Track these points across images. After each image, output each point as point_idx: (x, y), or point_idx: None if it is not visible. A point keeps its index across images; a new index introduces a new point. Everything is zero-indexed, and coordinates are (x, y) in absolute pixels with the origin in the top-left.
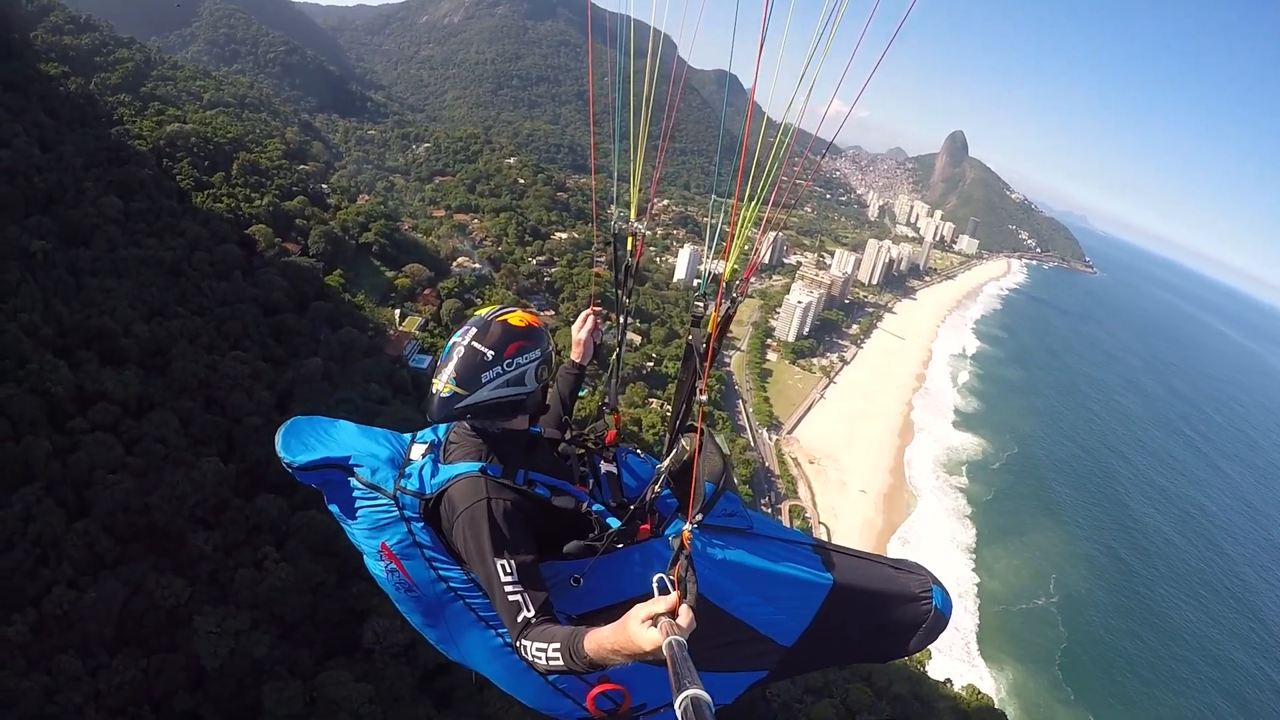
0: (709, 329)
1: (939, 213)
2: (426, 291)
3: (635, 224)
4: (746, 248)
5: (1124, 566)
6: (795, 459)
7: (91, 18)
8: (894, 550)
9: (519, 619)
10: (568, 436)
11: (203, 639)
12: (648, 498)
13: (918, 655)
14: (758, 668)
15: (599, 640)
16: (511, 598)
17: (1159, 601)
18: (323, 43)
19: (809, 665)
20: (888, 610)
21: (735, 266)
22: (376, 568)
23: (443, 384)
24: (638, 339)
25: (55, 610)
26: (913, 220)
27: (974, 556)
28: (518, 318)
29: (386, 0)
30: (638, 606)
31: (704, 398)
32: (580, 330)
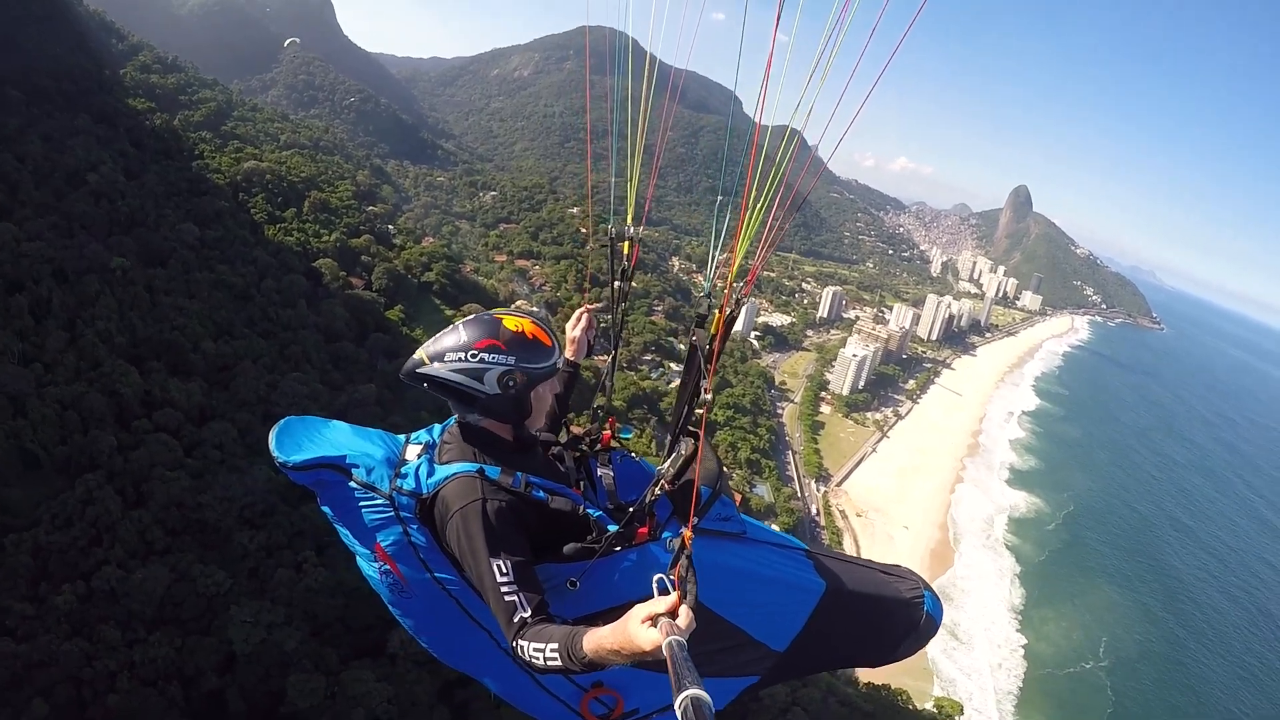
0: (714, 329)
1: (1002, 268)
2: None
3: (631, 229)
4: (749, 257)
5: (1177, 634)
6: (842, 510)
7: (178, 59)
8: None
9: (515, 619)
10: (562, 439)
11: (237, 627)
12: (647, 500)
13: (949, 709)
14: (750, 673)
15: (598, 640)
16: (508, 598)
17: (1209, 672)
18: (397, 92)
19: (801, 670)
20: (880, 615)
21: (741, 266)
22: (370, 569)
23: (421, 349)
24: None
25: (103, 586)
26: (975, 276)
27: (1021, 617)
28: (514, 322)
29: (459, 54)
30: (638, 606)
31: (709, 396)
32: (574, 328)
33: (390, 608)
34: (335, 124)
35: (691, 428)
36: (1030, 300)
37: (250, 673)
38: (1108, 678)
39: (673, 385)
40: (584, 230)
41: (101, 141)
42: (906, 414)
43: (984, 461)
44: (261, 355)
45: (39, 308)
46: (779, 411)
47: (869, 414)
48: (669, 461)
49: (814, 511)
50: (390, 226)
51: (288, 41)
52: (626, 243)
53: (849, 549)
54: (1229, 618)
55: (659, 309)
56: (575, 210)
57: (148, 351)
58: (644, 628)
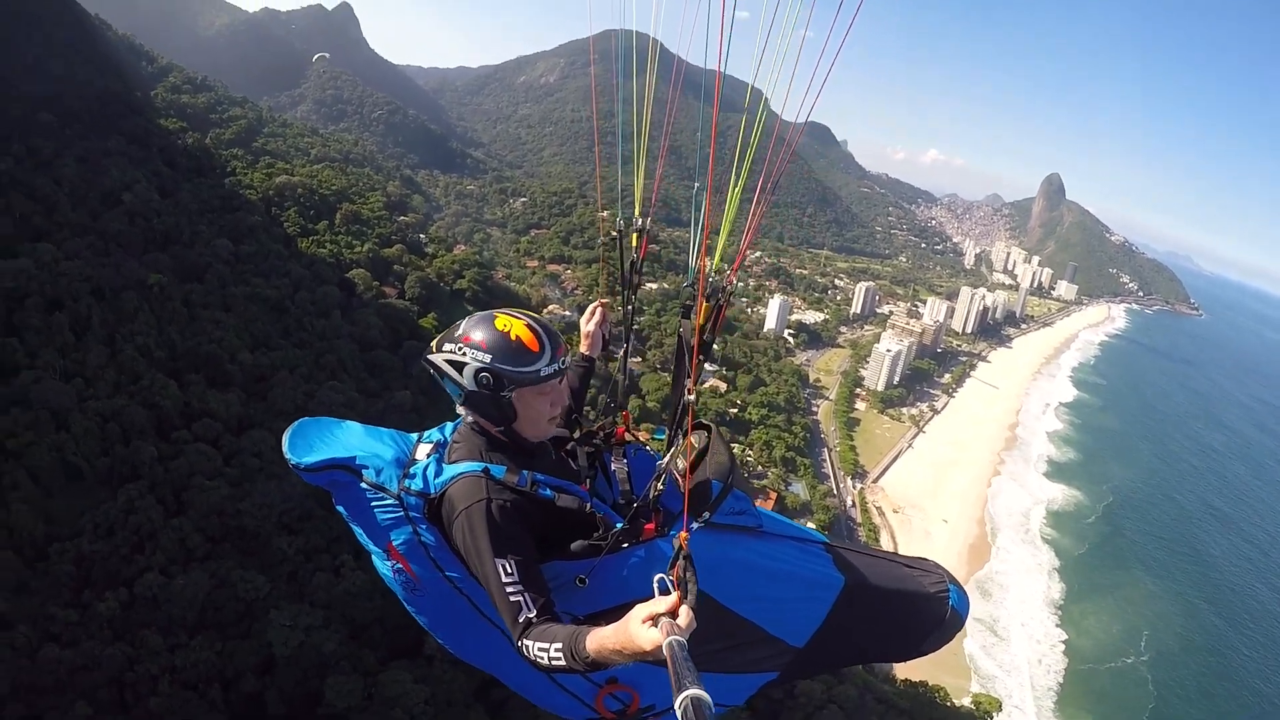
0: (695, 320)
1: (1036, 258)
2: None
3: (639, 220)
4: (733, 250)
5: (1217, 626)
6: (879, 507)
7: (208, 79)
8: (975, 604)
9: (520, 619)
10: (576, 435)
11: (276, 630)
12: (650, 495)
13: (986, 705)
14: (768, 669)
15: (600, 640)
16: (513, 598)
17: (1250, 663)
18: (425, 103)
19: (821, 666)
20: (902, 609)
21: (721, 262)
22: (384, 568)
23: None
24: (723, 385)
25: (145, 592)
26: (1009, 267)
27: (1060, 612)
28: (504, 321)
29: (485, 62)
30: (638, 606)
31: (691, 397)
32: (588, 322)
33: (405, 605)
34: (365, 136)
35: (701, 420)
36: (1066, 290)
37: (289, 675)
38: (1149, 671)
39: (708, 384)
40: (614, 233)
41: (135, 162)
42: (942, 408)
43: (1021, 454)
44: (298, 365)
45: (79, 325)
46: (814, 409)
47: (904, 409)
48: (667, 456)
49: (850, 508)
50: (422, 235)
51: (316, 57)
52: (635, 234)
53: (886, 545)
54: (1270, 608)
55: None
56: (605, 214)
57: (186, 364)
58: (644, 628)
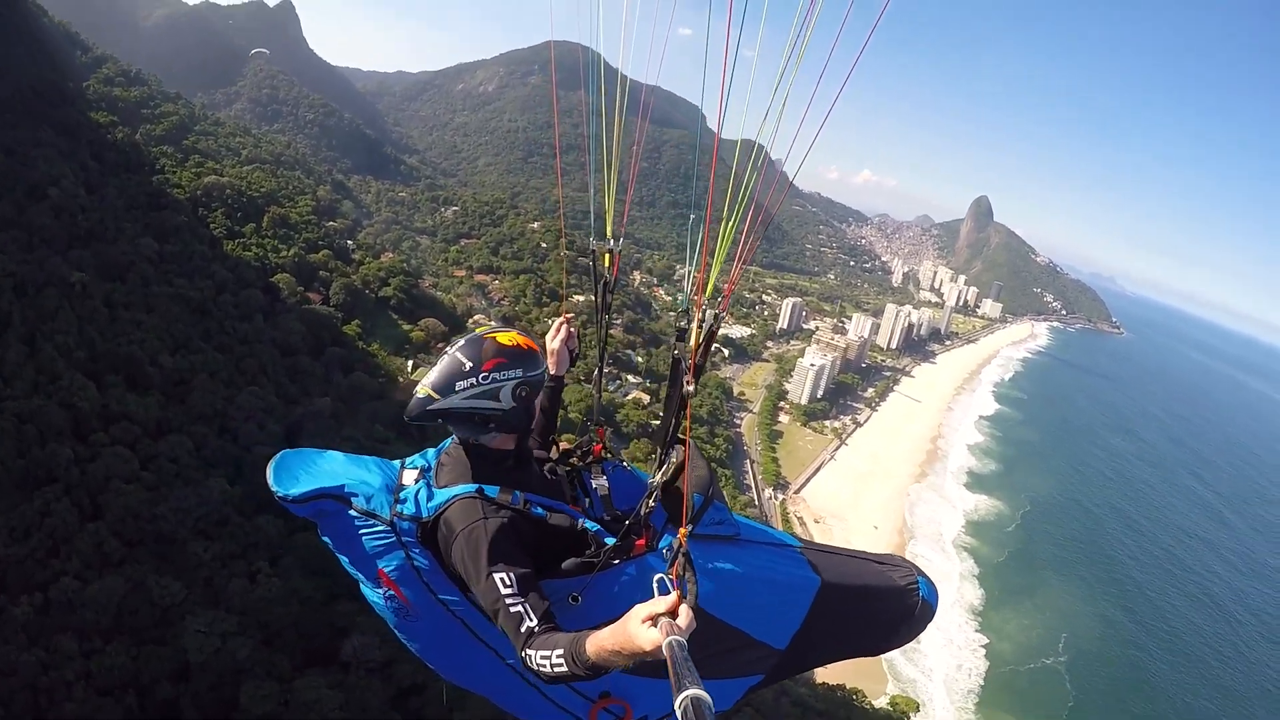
0: (692, 343)
1: (963, 277)
2: (440, 345)
3: (610, 241)
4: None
5: (1130, 627)
6: (800, 518)
7: (141, 72)
8: None
9: (522, 629)
10: (553, 454)
11: (191, 636)
12: (642, 512)
13: (904, 706)
14: (753, 672)
15: (600, 642)
16: (514, 609)
17: (1160, 661)
18: (361, 107)
19: (803, 665)
20: (877, 604)
21: (716, 284)
22: (374, 595)
23: (422, 386)
24: (646, 397)
25: (60, 597)
26: (936, 285)
27: (980, 618)
28: (508, 337)
29: (425, 68)
30: (638, 606)
31: (690, 387)
32: (554, 340)
33: (396, 632)
34: (298, 138)
35: (680, 436)
36: (990, 308)
37: (204, 681)
38: (1067, 671)
39: (630, 396)
40: (543, 245)
41: (64, 155)
42: (866, 421)
43: (942, 466)
44: (218, 369)
45: None
46: (737, 422)
47: (828, 422)
48: (660, 472)
49: (771, 519)
50: (349, 242)
51: (254, 52)
52: (607, 254)
53: (806, 541)
54: (1179, 609)
55: (618, 322)
56: (536, 225)
57: (106, 366)
58: (644, 628)
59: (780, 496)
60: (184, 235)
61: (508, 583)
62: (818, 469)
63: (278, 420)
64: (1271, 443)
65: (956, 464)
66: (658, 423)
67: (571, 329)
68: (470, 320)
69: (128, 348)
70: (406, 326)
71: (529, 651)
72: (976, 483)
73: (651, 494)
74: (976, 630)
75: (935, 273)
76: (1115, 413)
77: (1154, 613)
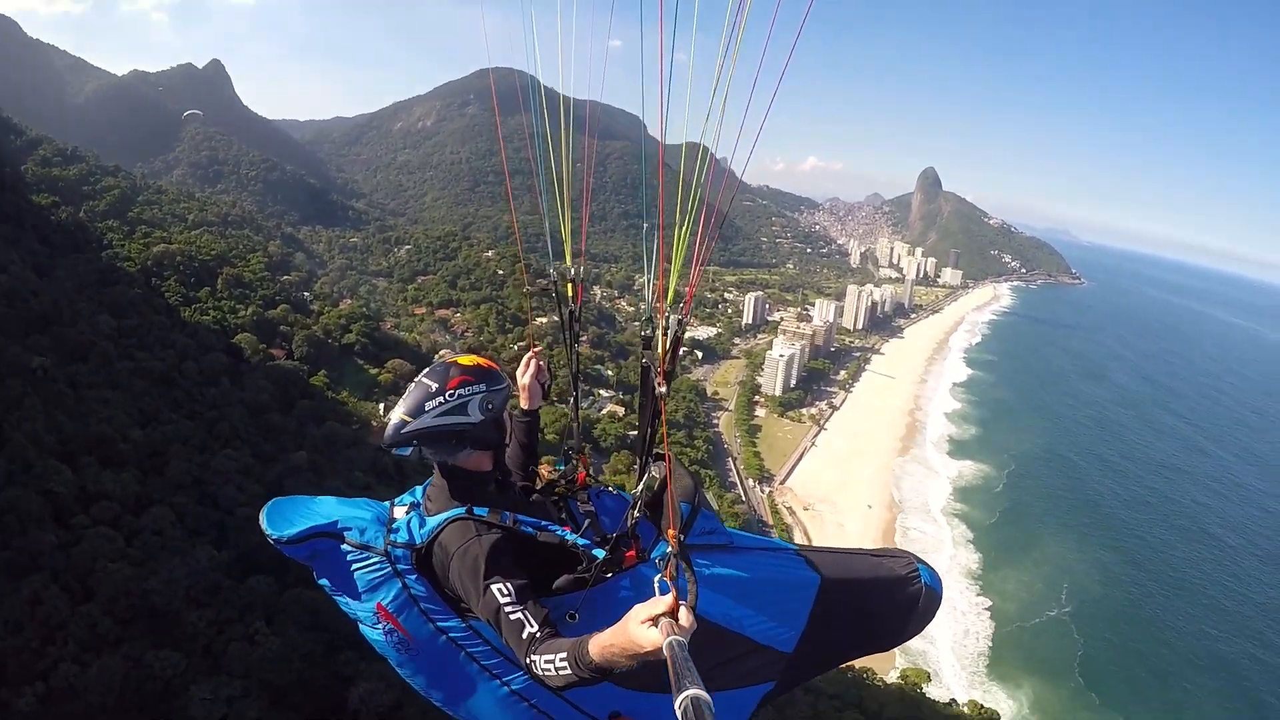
0: (659, 350)
1: (919, 250)
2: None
3: (571, 269)
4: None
5: (1130, 568)
6: (789, 508)
7: (78, 149)
8: None
9: (524, 636)
10: (538, 486)
11: (198, 705)
12: (629, 523)
13: (914, 678)
14: (764, 679)
15: (602, 643)
16: (514, 617)
17: (1158, 596)
18: (302, 157)
19: (814, 669)
20: (880, 597)
21: (677, 288)
22: (374, 634)
23: (394, 413)
24: (621, 410)
25: (61, 684)
26: (895, 261)
27: (980, 581)
28: (468, 359)
29: (362, 110)
30: (637, 607)
31: (663, 389)
32: (524, 375)
33: (399, 670)
34: (243, 197)
35: (659, 449)
36: (951, 276)
37: None
38: (1072, 620)
39: (604, 411)
40: (500, 272)
41: (9, 241)
42: (841, 404)
43: (923, 437)
44: (191, 437)
45: None
46: (715, 421)
47: (804, 410)
48: (642, 484)
49: (760, 512)
50: (306, 293)
51: (187, 114)
52: (570, 283)
53: (800, 542)
54: (1170, 542)
55: (584, 339)
56: (490, 253)
57: (77, 447)
58: (643, 628)
59: (766, 489)
60: (140, 307)
61: (506, 592)
62: (800, 457)
63: (256, 480)
64: (1238, 368)
65: (936, 433)
66: (635, 433)
67: (540, 362)
68: (437, 356)
69: (97, 427)
70: (373, 370)
71: (534, 658)
72: (959, 449)
73: (636, 504)
74: (978, 594)
75: (892, 249)
76: (1085, 360)
77: (1147, 550)
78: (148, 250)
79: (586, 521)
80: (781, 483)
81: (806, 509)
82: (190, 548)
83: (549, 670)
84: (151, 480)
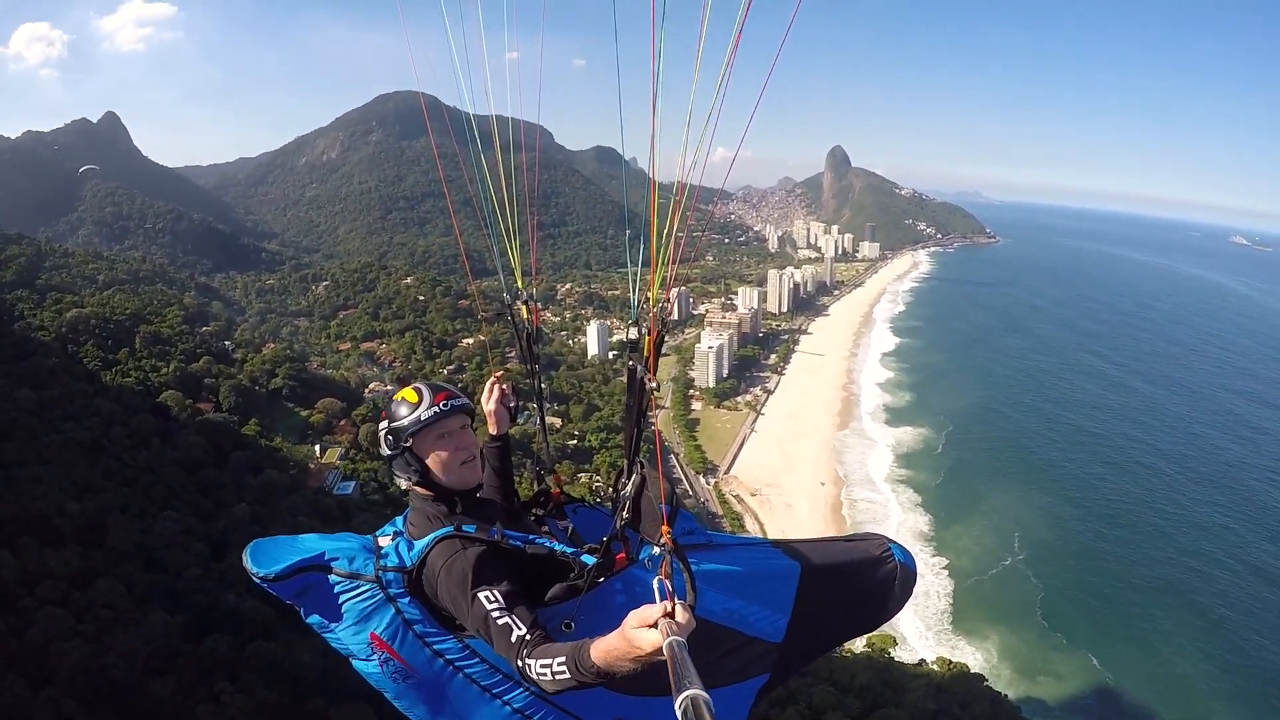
0: (646, 351)
1: (835, 227)
2: (342, 422)
3: (525, 292)
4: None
5: (1074, 509)
6: (737, 495)
7: None
8: None
9: (513, 639)
10: (516, 506)
11: None
12: (618, 525)
13: (880, 644)
14: (758, 672)
15: (603, 647)
16: (501, 622)
17: (1111, 529)
18: (209, 203)
19: (806, 656)
20: (858, 578)
21: (659, 296)
22: (369, 667)
23: None
24: (557, 421)
25: None
26: (813, 241)
27: (934, 542)
28: (399, 393)
29: (265, 149)
30: (638, 610)
31: (654, 384)
32: (489, 401)
33: (396, 702)
34: (152, 250)
35: (648, 444)
36: (869, 250)
37: None
38: (1028, 566)
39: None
40: (421, 298)
41: None
42: (776, 388)
43: (859, 410)
44: (128, 504)
45: None
46: (652, 421)
47: (739, 398)
48: (631, 483)
49: (708, 504)
50: (227, 342)
51: (82, 170)
52: (524, 305)
53: (751, 528)
54: (1107, 478)
55: (511, 355)
56: (409, 280)
57: (14, 529)
58: (643, 630)
59: (711, 480)
60: (60, 376)
61: (493, 599)
62: (741, 445)
63: (200, 539)
64: (1150, 301)
65: (872, 404)
66: (574, 443)
67: (504, 386)
68: (366, 390)
69: (31, 505)
70: (304, 412)
71: (528, 661)
72: (895, 417)
73: (624, 505)
74: (934, 555)
75: (809, 229)
76: (1006, 315)
77: (1087, 489)
78: (61, 317)
79: (571, 530)
80: (725, 472)
81: (754, 495)
82: (143, 617)
83: (545, 674)
84: (94, 553)
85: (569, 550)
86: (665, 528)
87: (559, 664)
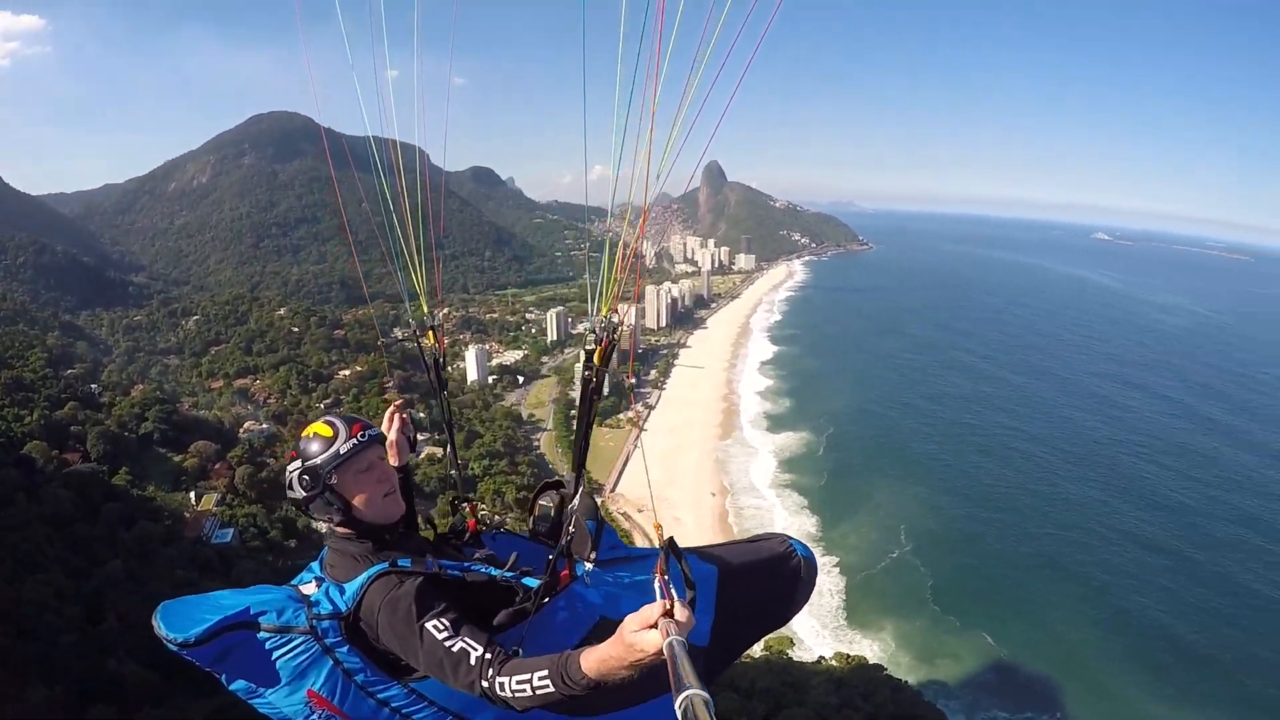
0: (597, 361)
1: (712, 241)
2: (218, 465)
3: (430, 319)
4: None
5: (955, 498)
6: (624, 513)
7: None
8: None
9: (473, 661)
10: (432, 540)
11: None
12: (564, 541)
13: (778, 646)
14: None
15: (597, 656)
16: (456, 648)
17: (992, 513)
18: (73, 233)
19: (728, 655)
20: (768, 576)
21: (612, 307)
22: None
23: None
24: (440, 451)
25: None
26: (689, 255)
27: (823, 542)
28: (307, 430)
29: (133, 174)
30: (637, 612)
31: (632, 380)
32: (390, 431)
33: None
34: (13, 287)
35: (552, 479)
36: (745, 261)
37: None
38: (915, 556)
39: (423, 455)
40: (295, 329)
41: None
42: (657, 403)
43: (741, 419)
44: None
45: None
46: (535, 443)
47: (621, 416)
48: (579, 497)
49: None
50: (94, 386)
51: None
52: (430, 333)
53: (640, 543)
54: (984, 465)
55: (390, 383)
56: (282, 311)
57: None
58: (642, 634)
59: (599, 499)
60: None
61: (442, 627)
62: (625, 462)
63: (74, 601)
64: (1019, 298)
65: (752, 413)
66: (455, 474)
67: (403, 415)
68: (241, 430)
69: None
70: (177, 457)
71: (499, 680)
72: (776, 423)
73: (571, 520)
74: (824, 555)
75: (685, 243)
76: (879, 319)
77: (966, 479)
78: None
79: (514, 555)
80: (612, 490)
81: (641, 511)
82: (20, 692)
83: (523, 690)
84: None
85: (508, 575)
86: (657, 524)
87: (540, 678)
